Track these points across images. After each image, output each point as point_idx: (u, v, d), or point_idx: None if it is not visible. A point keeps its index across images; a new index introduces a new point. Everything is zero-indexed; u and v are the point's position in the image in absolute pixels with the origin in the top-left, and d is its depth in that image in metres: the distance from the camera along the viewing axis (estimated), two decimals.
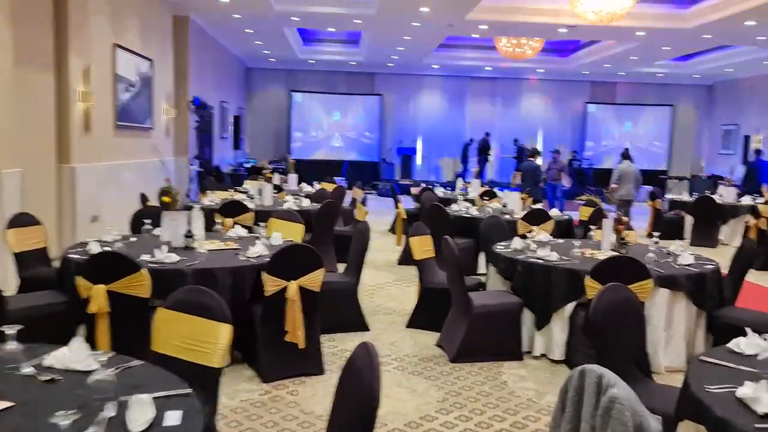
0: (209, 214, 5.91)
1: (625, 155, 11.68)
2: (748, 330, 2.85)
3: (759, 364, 2.55)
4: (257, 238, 5.08)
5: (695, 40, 13.77)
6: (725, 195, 11.59)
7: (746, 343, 2.78)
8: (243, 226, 5.74)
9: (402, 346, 5.10)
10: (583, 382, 2.05)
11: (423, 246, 5.56)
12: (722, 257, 10.01)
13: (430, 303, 5.44)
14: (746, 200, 11.29)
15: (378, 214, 12.79)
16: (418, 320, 5.53)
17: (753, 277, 4.85)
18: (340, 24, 14.03)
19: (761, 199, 11.42)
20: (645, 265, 4.34)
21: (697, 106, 22.10)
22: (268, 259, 4.24)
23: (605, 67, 18.56)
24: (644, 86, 21.82)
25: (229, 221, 6.29)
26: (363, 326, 5.42)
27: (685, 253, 5.02)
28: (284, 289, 4.11)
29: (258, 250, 4.53)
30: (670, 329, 4.61)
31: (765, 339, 2.76)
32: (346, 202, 10.52)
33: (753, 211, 9.15)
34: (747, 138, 19.41)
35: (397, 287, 7.19)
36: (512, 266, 4.99)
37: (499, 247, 5.40)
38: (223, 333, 2.53)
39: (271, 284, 4.11)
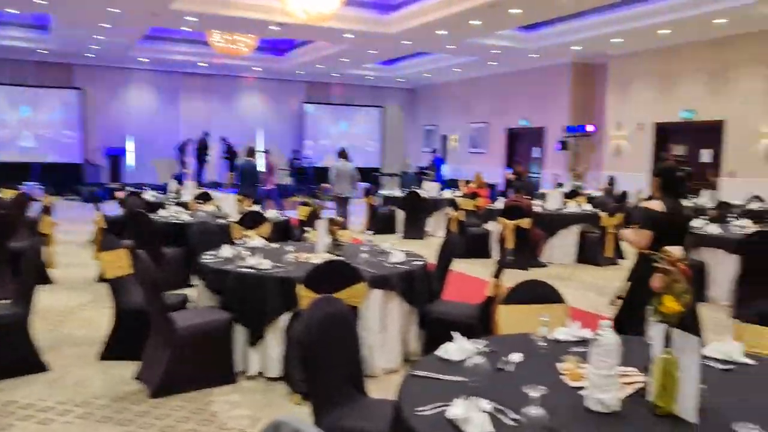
0: None
1: (342, 154, 11.92)
2: (455, 334, 2.74)
3: (467, 372, 2.41)
4: None
5: (397, 45, 14.68)
6: (429, 190, 12.50)
7: (454, 349, 2.65)
8: None
9: (90, 386, 4.24)
10: None
11: (116, 261, 4.74)
12: (430, 248, 10.81)
13: (128, 328, 4.65)
14: (447, 194, 12.30)
15: (80, 222, 11.26)
16: (113, 350, 4.70)
17: (456, 265, 5.19)
18: (20, 3, 12.00)
19: (459, 193, 12.56)
20: (357, 268, 4.16)
21: (402, 108, 23.91)
22: None
23: (319, 67, 18.97)
24: (356, 87, 22.91)
25: None
26: (38, 366, 4.41)
27: (395, 251, 5.00)
28: None
29: None
30: (385, 330, 4.52)
31: (473, 342, 2.67)
32: (37, 210, 8.91)
33: (453, 204, 9.92)
34: (445, 137, 21.50)
35: (92, 310, 6.16)
36: (221, 278, 4.46)
37: (207, 257, 4.83)
38: None
39: None
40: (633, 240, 4.24)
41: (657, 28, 12.44)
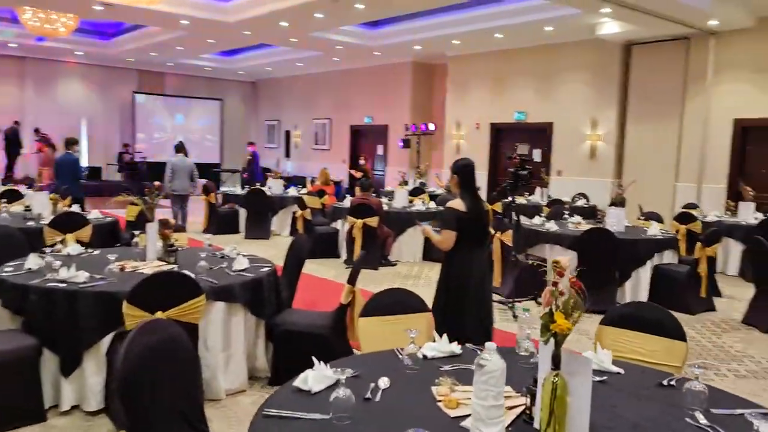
0: None
1: (179, 148, 11.03)
2: (315, 360, 2.37)
3: (331, 407, 2.04)
4: None
5: (237, 35, 13.92)
6: (274, 187, 11.97)
7: (313, 377, 2.27)
8: None
9: None
10: None
11: None
12: (277, 249, 10.36)
13: None
14: (292, 192, 11.85)
15: None
16: None
17: (303, 266, 4.88)
18: None
19: (305, 190, 12.16)
20: (195, 279, 3.63)
21: (243, 102, 22.98)
22: None
23: (152, 55, 17.59)
24: (194, 78, 21.62)
25: None
26: None
27: (239, 257, 4.51)
28: None
29: None
30: (229, 348, 4.02)
31: (335, 370, 2.30)
32: None
33: (299, 202, 9.50)
34: (288, 133, 20.95)
35: None
36: (22, 295, 3.70)
37: (6, 271, 4.01)
38: None
39: None
40: (440, 241, 4.05)
41: (493, 32, 12.89)
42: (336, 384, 2.26)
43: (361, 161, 14.77)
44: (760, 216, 9.26)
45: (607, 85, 13.00)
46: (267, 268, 4.40)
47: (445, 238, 3.99)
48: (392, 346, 3.05)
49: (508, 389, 2.28)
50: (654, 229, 7.29)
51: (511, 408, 2.08)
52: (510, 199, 6.48)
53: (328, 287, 7.47)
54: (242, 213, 11.27)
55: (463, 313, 4.05)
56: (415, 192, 11.62)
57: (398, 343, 3.07)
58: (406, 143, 16.93)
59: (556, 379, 1.83)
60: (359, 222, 8.41)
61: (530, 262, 2.31)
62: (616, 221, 7.36)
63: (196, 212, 11.93)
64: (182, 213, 10.79)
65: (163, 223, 4.56)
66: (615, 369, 2.55)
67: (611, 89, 12.96)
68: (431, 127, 16.58)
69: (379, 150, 18.45)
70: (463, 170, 4.12)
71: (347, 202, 9.75)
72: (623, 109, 13.02)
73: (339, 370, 2.35)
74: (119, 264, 4.21)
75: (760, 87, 11.03)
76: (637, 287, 6.88)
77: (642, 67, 12.61)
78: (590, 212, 10.57)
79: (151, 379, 2.26)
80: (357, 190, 13.26)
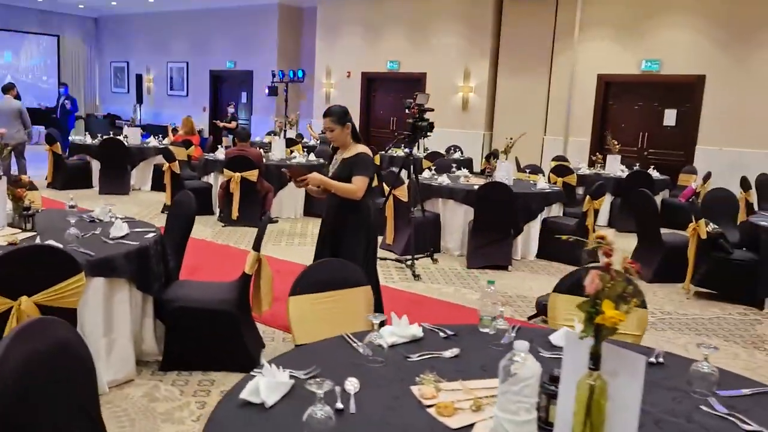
0: None
1: (6, 89, 9.48)
2: (264, 362, 1.86)
3: (303, 427, 1.56)
4: None
5: None
6: (131, 137, 10.74)
7: (267, 386, 1.77)
8: None
9: None
10: None
11: None
12: (139, 206, 9.31)
13: None
14: (153, 142, 10.73)
15: None
16: None
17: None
18: None
19: (167, 141, 11.05)
20: (68, 252, 2.89)
21: (84, 40, 20.57)
22: None
23: None
24: (23, 11, 18.91)
25: None
26: None
27: (117, 221, 3.75)
28: None
29: None
30: (112, 332, 3.34)
31: (289, 373, 1.81)
32: None
33: (166, 153, 8.50)
34: (139, 77, 19.10)
35: None
36: None
37: None
38: None
39: None
40: (354, 190, 3.64)
41: None
42: (291, 392, 1.78)
43: (231, 109, 13.76)
44: (626, 169, 9.74)
45: (480, 37, 12.98)
46: (152, 234, 3.71)
47: (361, 186, 3.66)
48: (332, 332, 2.59)
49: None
50: (542, 183, 7.32)
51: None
52: (408, 151, 6.13)
53: (207, 250, 6.76)
54: (95, 165, 10.02)
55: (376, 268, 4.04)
56: (289, 143, 10.95)
57: (339, 327, 2.63)
58: (273, 91, 16.04)
59: (596, 381, 1.49)
60: (237, 176, 7.69)
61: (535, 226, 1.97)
62: (505, 174, 7.29)
63: (35, 165, 10.49)
64: (19, 166, 9.37)
65: (14, 181, 3.69)
66: None
67: (484, 41, 12.95)
68: (300, 74, 15.80)
69: (243, 97, 17.38)
70: (351, 119, 3.82)
71: (220, 153, 8.93)
72: (495, 61, 13.10)
73: (292, 372, 1.87)
74: None
75: (622, 44, 11.50)
76: (528, 242, 6.89)
77: (514, 20, 12.69)
78: (467, 164, 10.56)
79: (35, 403, 1.64)
80: (225, 141, 12.35)
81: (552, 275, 6.31)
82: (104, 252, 3.28)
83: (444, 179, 7.20)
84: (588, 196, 6.62)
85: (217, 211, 8.41)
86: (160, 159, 10.34)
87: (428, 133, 6.00)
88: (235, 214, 7.75)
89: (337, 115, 3.74)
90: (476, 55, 13.07)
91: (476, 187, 6.82)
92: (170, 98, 18.76)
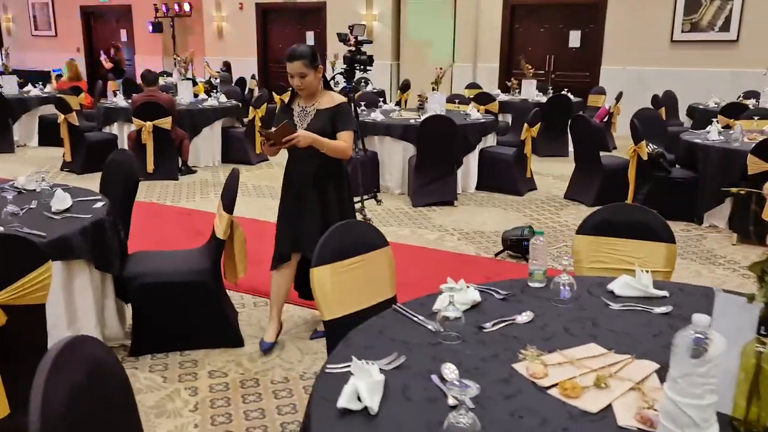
0: None
1: None
2: (355, 359, 1.56)
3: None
4: None
5: None
6: (6, 86, 9.48)
7: (368, 387, 1.48)
8: None
9: None
10: None
11: None
12: (29, 164, 8.24)
13: None
14: (34, 91, 9.54)
15: None
16: None
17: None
18: None
19: (49, 88, 9.87)
20: (29, 239, 2.38)
21: None
22: None
23: None
24: None
25: None
26: None
27: (59, 191, 3.17)
28: None
29: None
30: (76, 321, 2.88)
31: (378, 367, 1.53)
32: None
33: (59, 103, 7.47)
34: None
35: None
36: None
37: None
38: None
39: None
40: (345, 148, 3.10)
41: None
42: (384, 389, 1.51)
43: (113, 49, 12.48)
44: (541, 93, 9.80)
45: None
46: (100, 204, 3.19)
47: (351, 145, 3.18)
48: (360, 302, 2.33)
49: (593, 347, 1.76)
50: (474, 113, 7.18)
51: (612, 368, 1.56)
52: (346, 87, 5.73)
53: (136, 211, 6.11)
54: None
55: None
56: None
57: (367, 296, 2.36)
58: (158, 27, 14.78)
59: (765, 348, 1.34)
60: (148, 124, 6.97)
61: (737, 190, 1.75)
62: (439, 107, 7.08)
63: None
64: None
65: None
66: (659, 293, 2.15)
67: None
68: (186, 7, 14.60)
69: (123, 35, 15.88)
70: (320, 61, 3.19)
71: (120, 100, 8.07)
72: None
73: (379, 363, 1.60)
74: None
75: None
76: (467, 175, 6.78)
77: None
78: (381, 96, 10.22)
79: None
80: (113, 86, 11.22)
81: (498, 207, 6.27)
82: (57, 231, 2.76)
83: (378, 115, 6.89)
84: (526, 124, 6.56)
85: None
86: (45, 110, 9.29)
87: (368, 67, 5.61)
88: (150, 167, 7.07)
89: (309, 57, 3.07)
90: None
91: (413, 121, 6.58)
92: (36, 39, 16.86)
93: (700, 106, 8.76)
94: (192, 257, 3.35)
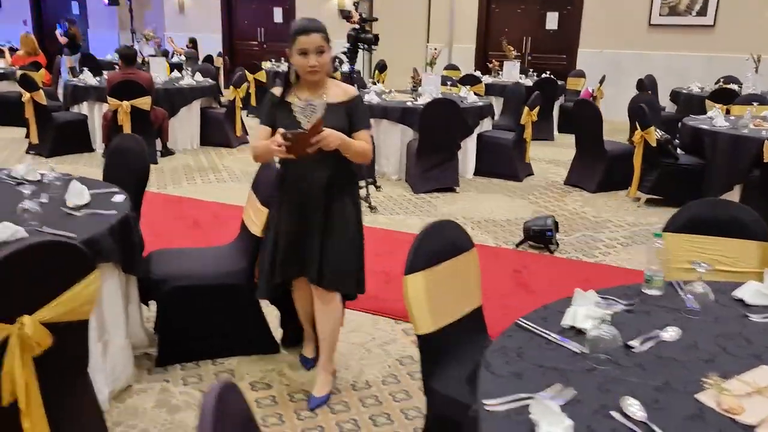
0: None
1: None
2: (533, 396, 1.32)
3: None
4: None
5: None
6: None
7: None
8: None
9: None
10: None
11: None
12: None
13: None
14: None
15: None
16: None
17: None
18: None
19: (3, 64, 9.14)
20: (75, 244, 2.02)
21: None
22: None
23: None
24: None
25: None
26: None
27: (74, 183, 2.78)
28: None
29: None
30: (106, 331, 2.50)
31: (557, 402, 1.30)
32: None
33: (24, 80, 6.86)
34: None
35: None
36: None
37: None
38: None
39: None
40: (369, 151, 2.50)
41: None
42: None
43: (69, 23, 11.69)
44: (524, 76, 9.65)
45: None
46: (120, 197, 2.83)
47: (371, 145, 2.55)
48: (453, 313, 2.09)
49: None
50: (472, 96, 6.95)
51: None
52: (349, 69, 5.40)
53: None
54: None
55: None
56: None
57: (458, 305, 2.13)
58: (114, 0, 13.97)
59: None
60: (126, 104, 6.47)
61: None
62: (434, 89, 6.83)
63: None
64: None
65: None
66: None
67: None
68: None
69: (75, 8, 14.98)
70: None
71: (88, 77, 7.51)
72: None
73: (543, 396, 1.37)
74: None
75: None
76: (465, 160, 6.56)
77: None
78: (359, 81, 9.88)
79: None
80: (64, 58, 10.52)
81: (500, 193, 6.09)
82: (83, 231, 2.40)
83: (373, 97, 6.58)
84: (526, 108, 6.37)
85: (98, 147, 7.14)
86: None
87: (374, 47, 5.30)
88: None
89: (326, 30, 2.44)
90: None
91: (409, 104, 6.31)
92: None
93: (684, 91, 8.76)
94: (223, 256, 3.03)
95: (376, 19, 5.55)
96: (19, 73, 7.48)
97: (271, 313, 3.06)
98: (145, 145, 3.46)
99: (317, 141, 2.27)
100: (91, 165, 6.65)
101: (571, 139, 6.61)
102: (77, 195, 2.70)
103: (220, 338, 2.94)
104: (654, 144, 5.58)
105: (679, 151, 5.84)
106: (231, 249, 3.08)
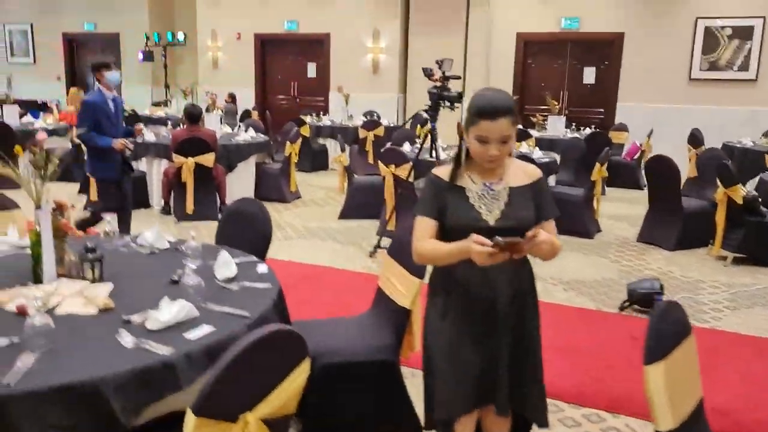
0: None
1: None
2: None
3: None
4: None
5: None
6: (7, 116, 8.72)
7: None
8: None
9: None
10: None
11: None
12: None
13: None
14: (40, 123, 8.81)
15: None
16: None
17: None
18: None
19: (51, 120, 9.13)
20: (296, 332, 1.86)
21: None
22: None
23: None
24: None
25: None
26: None
27: (223, 253, 2.62)
28: None
29: None
30: None
31: None
32: None
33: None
34: None
35: None
36: None
37: None
38: None
39: None
40: (559, 247, 2.08)
41: None
42: None
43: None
44: (572, 130, 9.62)
45: None
46: (264, 268, 2.67)
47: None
48: (687, 405, 1.90)
49: None
50: (536, 151, 6.87)
51: None
52: (432, 125, 5.33)
53: None
54: None
55: None
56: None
57: (688, 397, 1.94)
58: (149, 56, 14.13)
59: None
60: (190, 161, 6.40)
61: None
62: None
63: None
64: None
65: (59, 207, 2.48)
66: None
67: None
68: (180, 36, 14.05)
69: None
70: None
71: (149, 134, 7.46)
72: (406, 19, 12.39)
73: None
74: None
75: (541, 1, 11.32)
76: None
77: None
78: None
79: None
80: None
81: (578, 251, 5.94)
82: (254, 308, 2.23)
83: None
84: (597, 164, 6.27)
85: (155, 203, 7.03)
86: (50, 142, 8.54)
87: (456, 104, 5.24)
88: (190, 207, 6.48)
89: (515, 110, 1.96)
90: (385, 13, 12.26)
91: None
92: (11, 66, 15.92)
93: (738, 146, 8.68)
94: (366, 329, 2.85)
95: (459, 77, 5.49)
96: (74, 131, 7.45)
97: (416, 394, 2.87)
98: (266, 210, 3.32)
99: (530, 245, 1.88)
100: (149, 222, 6.52)
101: (622, 193, 6.53)
102: (226, 267, 2.54)
103: (363, 417, 2.73)
104: (740, 202, 5.45)
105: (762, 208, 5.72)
106: (371, 319, 2.90)
